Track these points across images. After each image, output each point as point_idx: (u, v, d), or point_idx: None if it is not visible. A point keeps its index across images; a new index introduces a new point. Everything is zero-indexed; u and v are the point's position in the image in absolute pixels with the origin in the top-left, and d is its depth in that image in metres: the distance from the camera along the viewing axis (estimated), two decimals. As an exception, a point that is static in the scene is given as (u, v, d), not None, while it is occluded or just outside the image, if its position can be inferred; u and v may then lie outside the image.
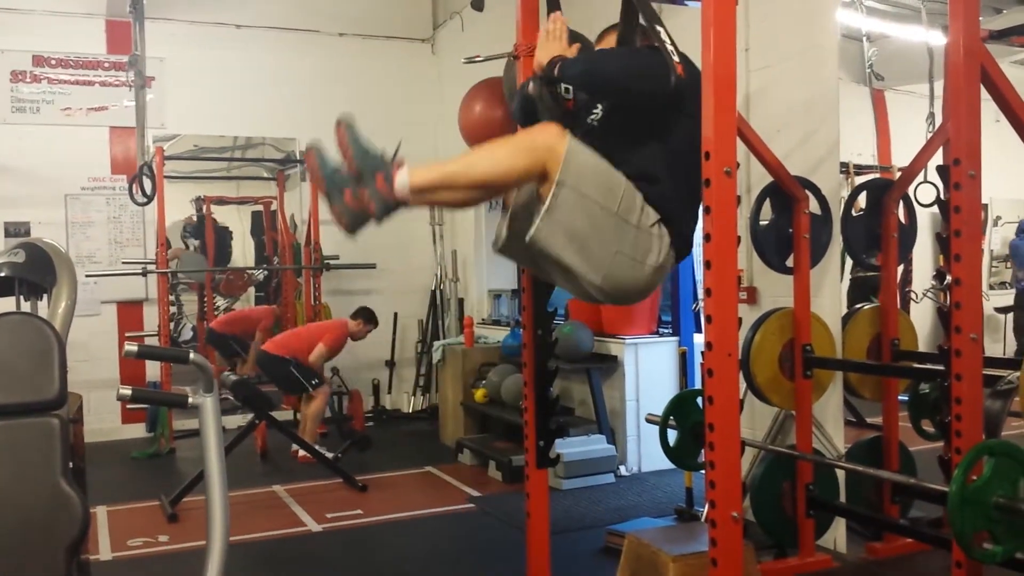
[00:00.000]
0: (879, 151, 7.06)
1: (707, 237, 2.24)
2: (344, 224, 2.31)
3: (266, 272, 8.22)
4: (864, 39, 5.64)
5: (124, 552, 4.30)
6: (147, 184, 4.95)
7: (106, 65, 7.08)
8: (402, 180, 2.22)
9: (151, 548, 4.34)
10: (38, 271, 3.44)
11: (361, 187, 2.23)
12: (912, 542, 3.65)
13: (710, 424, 2.27)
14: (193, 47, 7.31)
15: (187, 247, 8.23)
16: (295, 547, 4.34)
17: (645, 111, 2.46)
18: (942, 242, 2.55)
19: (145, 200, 5.09)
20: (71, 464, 2.61)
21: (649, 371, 5.42)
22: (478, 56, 3.48)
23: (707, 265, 2.24)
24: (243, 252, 8.45)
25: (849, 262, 4.91)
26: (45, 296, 3.47)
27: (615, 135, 2.51)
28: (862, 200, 3.77)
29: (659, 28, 2.42)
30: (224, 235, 8.41)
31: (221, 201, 8.25)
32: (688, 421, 3.57)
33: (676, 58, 2.36)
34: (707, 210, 2.24)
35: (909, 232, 3.85)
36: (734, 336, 2.24)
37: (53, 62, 6.98)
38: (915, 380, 3.55)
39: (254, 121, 7.63)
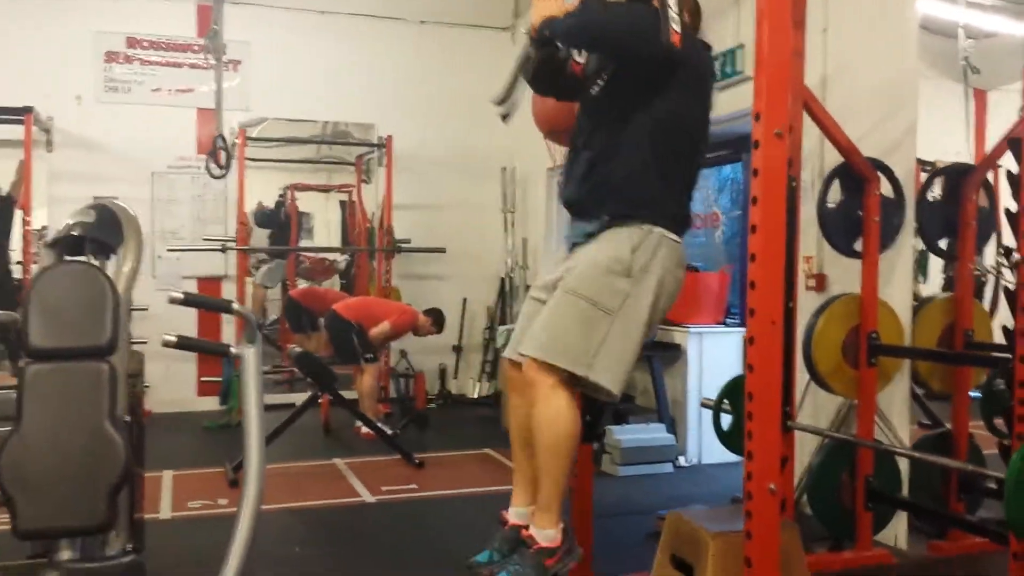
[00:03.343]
0: (976, 152, 6.76)
1: (754, 200, 2.17)
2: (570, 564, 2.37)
3: (348, 259, 8.36)
4: (960, 31, 5.39)
5: (183, 512, 4.42)
6: (222, 156, 5.06)
7: (195, 48, 7.26)
8: (550, 537, 2.31)
9: (210, 510, 4.45)
10: (107, 231, 3.54)
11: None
12: (979, 542, 3.48)
13: (749, 393, 2.20)
14: (278, 31, 7.47)
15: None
16: (348, 516, 4.41)
17: (637, 80, 2.40)
18: (1011, 218, 2.41)
19: (220, 172, 5.19)
20: (127, 417, 2.69)
21: (714, 362, 5.29)
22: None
23: (752, 230, 2.17)
24: (328, 240, 8.62)
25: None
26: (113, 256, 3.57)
27: (611, 108, 2.48)
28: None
29: None
30: (303, 221, 8.58)
31: (305, 188, 8.44)
32: (743, 404, 3.47)
33: (676, 27, 2.28)
34: (755, 173, 2.16)
35: (989, 219, 3.67)
36: (778, 303, 2.17)
37: (145, 44, 7.22)
38: (985, 367, 3.38)
39: (336, 106, 7.74)
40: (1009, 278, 2.58)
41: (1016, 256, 2.35)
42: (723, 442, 3.56)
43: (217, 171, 5.18)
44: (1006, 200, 3.85)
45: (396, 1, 7.82)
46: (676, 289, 2.43)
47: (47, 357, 2.39)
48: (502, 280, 7.79)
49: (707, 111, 2.47)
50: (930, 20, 4.55)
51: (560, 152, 6.43)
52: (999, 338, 3.69)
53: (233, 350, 2.42)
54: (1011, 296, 2.40)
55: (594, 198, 2.43)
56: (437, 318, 6.45)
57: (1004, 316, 4.08)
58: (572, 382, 2.30)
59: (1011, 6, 5.28)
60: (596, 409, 3.15)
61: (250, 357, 2.41)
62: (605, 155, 2.42)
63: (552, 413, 2.26)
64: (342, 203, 8.60)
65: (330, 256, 8.52)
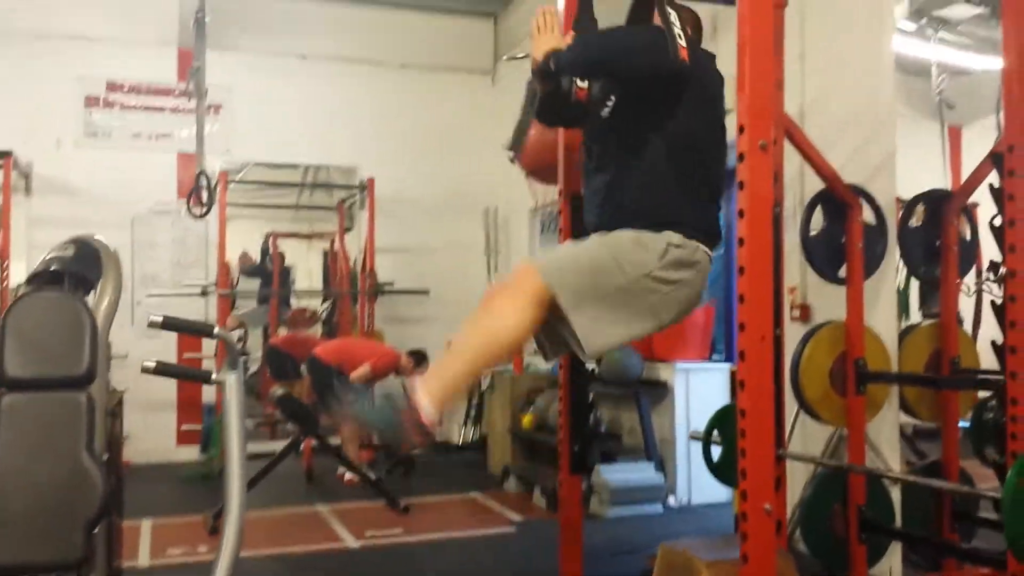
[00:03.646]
0: (953, 188, 6.83)
1: (740, 214, 2.15)
2: (416, 444, 2.24)
3: (330, 308, 8.32)
4: (933, 67, 5.48)
5: (162, 560, 4.30)
6: (203, 194, 5.01)
7: (176, 93, 7.29)
8: (428, 411, 2.14)
9: (189, 557, 4.33)
10: (86, 266, 3.49)
11: (402, 440, 2.18)
12: (974, 574, 3.42)
13: (741, 410, 2.17)
14: (259, 77, 7.50)
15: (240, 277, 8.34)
16: (331, 562, 4.30)
17: (649, 99, 2.40)
18: (996, 232, 2.41)
19: (202, 210, 5.13)
20: (107, 455, 2.62)
21: (701, 398, 5.24)
22: (519, 54, 3.47)
23: (740, 243, 2.15)
24: (310, 287, 8.61)
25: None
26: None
27: (623, 129, 2.48)
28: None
29: (669, 9, 2.37)
30: (286, 273, 8.59)
31: (287, 236, 8.44)
32: (733, 434, 3.42)
33: (682, 42, 2.30)
34: (740, 185, 2.15)
35: (971, 245, 3.68)
36: (768, 317, 2.14)
37: (126, 88, 7.23)
38: (974, 389, 3.36)
39: (318, 150, 7.76)
40: (997, 293, 2.58)
41: (1003, 269, 2.34)
42: (713, 473, 3.52)
43: (198, 210, 5.12)
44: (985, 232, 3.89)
45: (377, 46, 7.90)
46: (695, 299, 2.41)
47: (23, 387, 2.33)
48: (486, 323, 7.74)
49: (721, 120, 2.47)
50: (905, 60, 4.62)
51: (542, 192, 6.48)
52: (985, 364, 3.70)
53: (215, 376, 2.36)
54: (999, 310, 2.39)
55: (617, 221, 2.40)
56: (420, 359, 6.37)
57: (985, 342, 4.10)
58: (550, 311, 2.21)
59: (979, 43, 5.39)
60: (584, 438, 3.11)
61: (232, 383, 2.35)
62: (621, 176, 2.42)
63: (512, 315, 2.17)
64: (324, 253, 8.60)
65: (311, 307, 8.48)
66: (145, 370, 2.31)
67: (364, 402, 2.28)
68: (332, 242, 8.34)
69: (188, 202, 5.19)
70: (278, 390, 4.99)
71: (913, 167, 4.13)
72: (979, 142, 6.39)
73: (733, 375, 4.54)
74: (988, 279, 3.20)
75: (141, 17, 7.22)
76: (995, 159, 2.46)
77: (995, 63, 4.63)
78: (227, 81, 7.14)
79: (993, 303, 2.44)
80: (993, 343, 2.48)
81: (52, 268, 3.54)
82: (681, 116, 2.36)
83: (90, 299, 3.58)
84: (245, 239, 8.07)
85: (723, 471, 3.48)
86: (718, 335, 5.69)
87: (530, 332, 2.25)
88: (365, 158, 7.72)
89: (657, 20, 2.42)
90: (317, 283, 8.64)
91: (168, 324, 2.32)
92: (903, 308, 4.71)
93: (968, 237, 3.76)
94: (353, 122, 7.74)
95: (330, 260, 8.42)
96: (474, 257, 7.89)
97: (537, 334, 2.41)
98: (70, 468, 2.28)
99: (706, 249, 2.40)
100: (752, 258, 2.13)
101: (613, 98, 2.51)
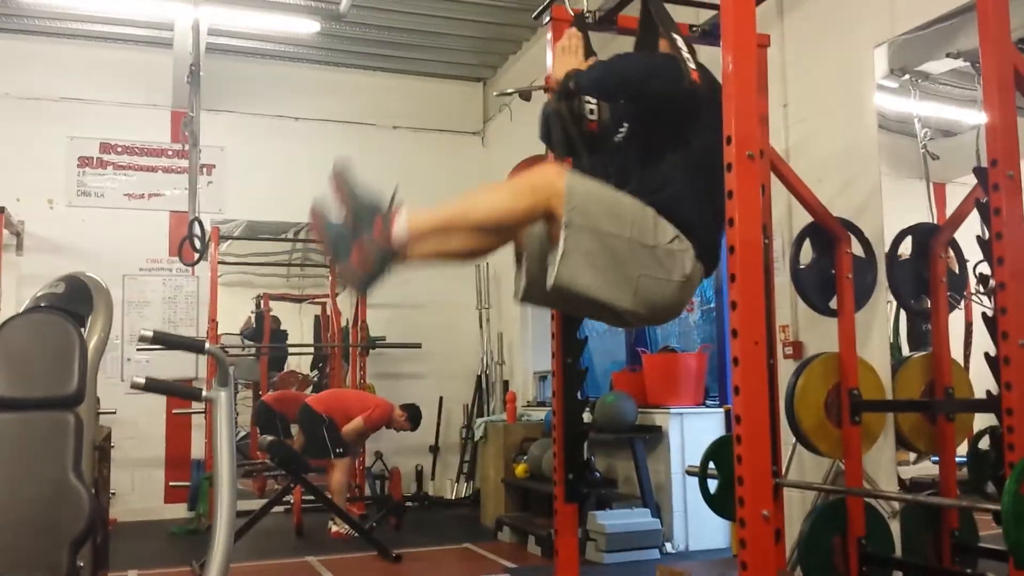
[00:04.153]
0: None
1: (730, 222, 2.16)
2: (352, 284, 2.32)
3: (319, 371, 8.29)
4: (916, 121, 5.56)
5: (148, 609, 4.21)
6: (196, 243, 5.01)
7: (169, 153, 7.38)
8: (400, 226, 2.20)
9: (176, 607, 4.24)
10: (77, 301, 3.49)
11: (358, 238, 2.21)
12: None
13: (737, 416, 2.15)
14: (253, 138, 7.61)
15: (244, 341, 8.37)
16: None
17: (664, 121, 2.45)
18: (983, 245, 2.44)
19: (195, 256, 5.09)
20: (96, 475, 2.59)
21: (696, 443, 5.18)
22: (508, 90, 3.52)
23: (731, 250, 2.16)
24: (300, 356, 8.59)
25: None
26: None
27: (638, 151, 2.52)
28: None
29: (675, 36, 2.44)
30: (281, 338, 8.56)
31: (279, 298, 8.44)
32: (729, 465, 3.39)
33: (692, 65, 2.37)
34: (730, 195, 2.17)
35: (959, 277, 3.71)
36: (760, 323, 2.14)
37: (119, 149, 7.30)
38: (972, 412, 3.35)
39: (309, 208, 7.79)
40: (988, 305, 2.59)
41: (992, 283, 2.36)
42: (710, 506, 3.48)
43: (190, 258, 5.10)
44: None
45: (370, 108, 8.03)
46: (672, 308, 2.40)
47: (11, 407, 2.31)
48: (478, 377, 7.72)
49: None
50: (887, 120, 4.71)
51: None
52: (980, 393, 3.69)
53: (205, 393, 2.35)
54: (990, 323, 2.40)
55: None
56: (412, 414, 6.33)
57: (977, 375, 4.12)
58: (549, 223, 2.25)
59: (959, 101, 5.48)
60: (578, 468, 3.08)
61: (222, 400, 2.34)
62: (640, 186, 2.44)
63: (508, 196, 2.23)
64: (316, 318, 8.60)
65: (301, 371, 8.45)
66: (135, 386, 2.29)
67: (358, 185, 2.31)
68: (324, 306, 8.35)
69: (180, 251, 5.18)
70: (267, 438, 4.94)
71: (897, 223, 4.18)
72: (963, 194, 6.47)
73: (727, 415, 4.54)
74: (978, 291, 3.22)
75: (135, 80, 7.34)
76: (979, 173, 2.50)
77: (975, 118, 4.74)
78: (220, 142, 7.25)
79: (984, 315, 2.45)
80: (986, 355, 2.48)
81: (43, 304, 3.55)
82: (694, 138, 2.41)
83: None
84: (236, 301, 8.06)
85: (720, 503, 3.43)
86: (711, 383, 5.68)
87: (517, 220, 2.26)
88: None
89: (664, 47, 2.50)
90: (309, 341, 8.61)
91: (158, 339, 2.30)
92: (895, 355, 4.73)
93: (956, 270, 3.80)
94: (346, 181, 7.79)
95: (322, 320, 8.42)
96: (466, 313, 7.90)
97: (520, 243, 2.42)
98: (57, 487, 2.25)
99: (702, 268, 2.41)
100: (743, 265, 2.13)
101: (625, 125, 2.56)
